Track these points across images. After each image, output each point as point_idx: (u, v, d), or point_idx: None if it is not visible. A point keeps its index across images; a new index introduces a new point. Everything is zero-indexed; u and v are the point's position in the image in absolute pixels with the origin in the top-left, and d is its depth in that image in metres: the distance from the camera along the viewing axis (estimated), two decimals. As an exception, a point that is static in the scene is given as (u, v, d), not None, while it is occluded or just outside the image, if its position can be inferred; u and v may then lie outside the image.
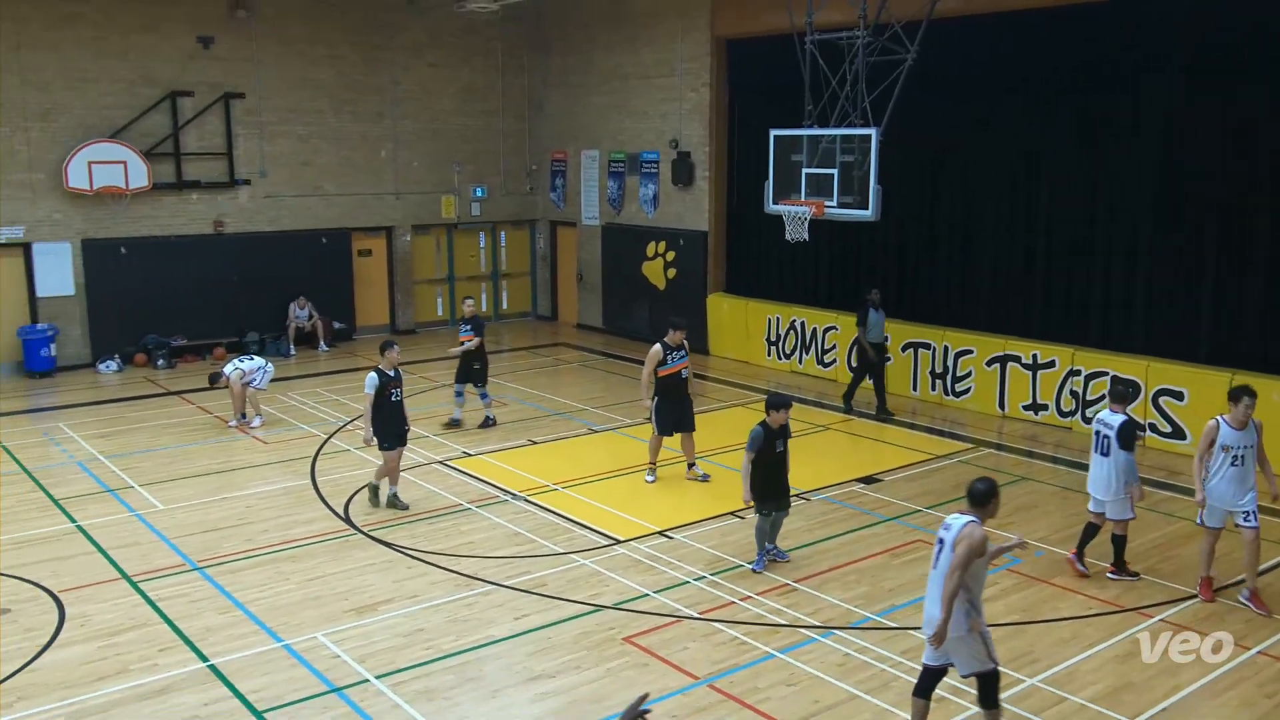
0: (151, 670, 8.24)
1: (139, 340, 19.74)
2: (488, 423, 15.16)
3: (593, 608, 9.30)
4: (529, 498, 12.22)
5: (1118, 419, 9.65)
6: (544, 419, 15.79)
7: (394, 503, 11.84)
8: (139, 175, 19.20)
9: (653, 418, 12.60)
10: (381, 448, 11.66)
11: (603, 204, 22.81)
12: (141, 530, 11.24)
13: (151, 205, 19.69)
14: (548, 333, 23.54)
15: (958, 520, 6.82)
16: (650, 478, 12.73)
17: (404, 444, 11.87)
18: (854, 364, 16.38)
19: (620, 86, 21.86)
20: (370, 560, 10.41)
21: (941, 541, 6.86)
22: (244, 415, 15.32)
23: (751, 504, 9.94)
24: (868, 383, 15.94)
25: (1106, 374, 14.33)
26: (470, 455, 13.84)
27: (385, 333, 22.59)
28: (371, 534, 11.08)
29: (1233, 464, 9.01)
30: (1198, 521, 9.41)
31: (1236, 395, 8.98)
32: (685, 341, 12.54)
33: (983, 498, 6.82)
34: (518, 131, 24.10)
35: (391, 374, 11.63)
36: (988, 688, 6.84)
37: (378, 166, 22.24)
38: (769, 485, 9.92)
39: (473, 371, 14.98)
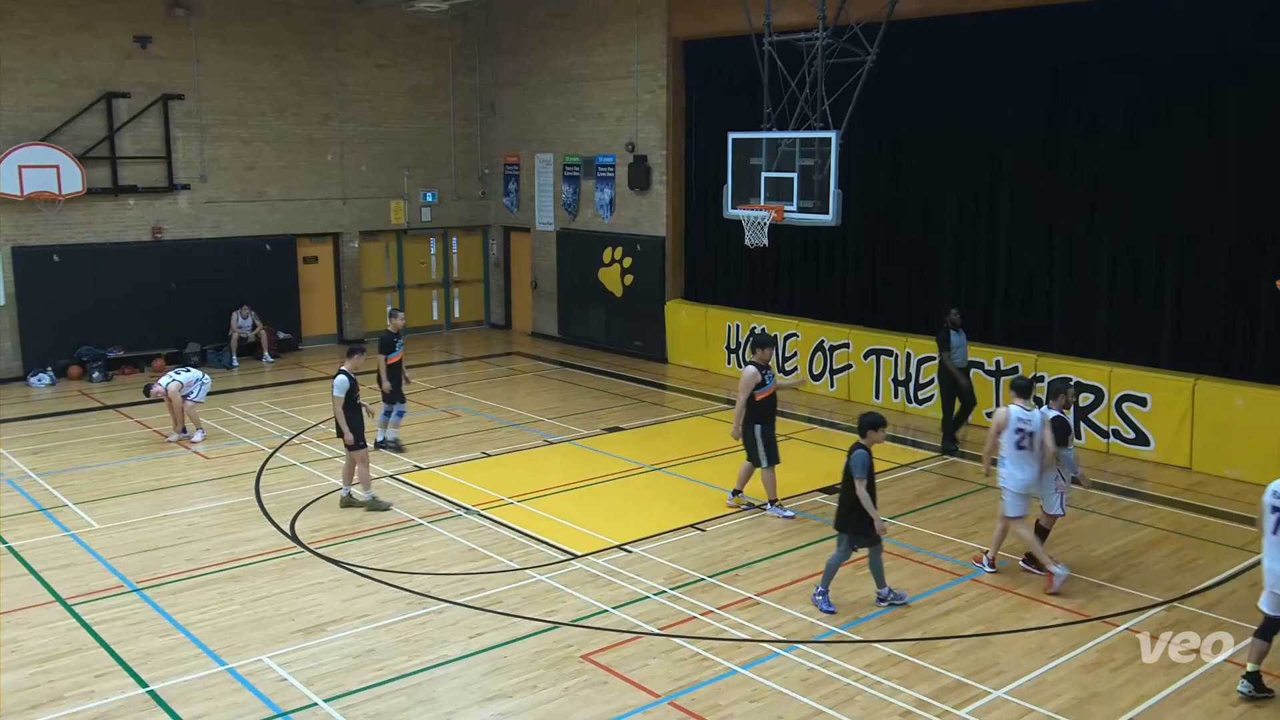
0: (87, 697, 8.08)
1: (73, 352, 19.41)
2: (393, 444, 14.58)
3: (550, 624, 9.26)
4: (483, 512, 12.15)
5: (1050, 414, 10.00)
6: (498, 430, 15.72)
7: (370, 504, 12.16)
8: (73, 180, 18.89)
9: (759, 447, 11.71)
10: (355, 447, 12.00)
11: (557, 209, 22.79)
12: (76, 550, 11.04)
13: (86, 211, 19.38)
14: (501, 341, 23.45)
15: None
16: (788, 513, 11.91)
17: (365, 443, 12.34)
18: (945, 395, 14.79)
19: (575, 88, 21.87)
20: (318, 579, 10.30)
21: (1277, 509, 7.80)
22: (184, 430, 15.11)
23: (884, 534, 9.43)
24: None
25: (1070, 380, 14.48)
26: (422, 469, 13.74)
27: (333, 343, 22.49)
28: (319, 551, 10.97)
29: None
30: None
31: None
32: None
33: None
34: (469, 134, 24.03)
35: (356, 377, 12.14)
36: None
37: (324, 170, 22.07)
38: (866, 514, 9.29)
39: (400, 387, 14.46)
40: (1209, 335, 13.97)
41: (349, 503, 12.22)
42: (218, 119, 20.62)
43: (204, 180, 20.61)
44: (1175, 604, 9.65)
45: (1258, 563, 10.41)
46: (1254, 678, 7.98)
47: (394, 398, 14.41)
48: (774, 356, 12.04)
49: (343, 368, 12.10)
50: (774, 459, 11.83)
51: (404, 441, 14.72)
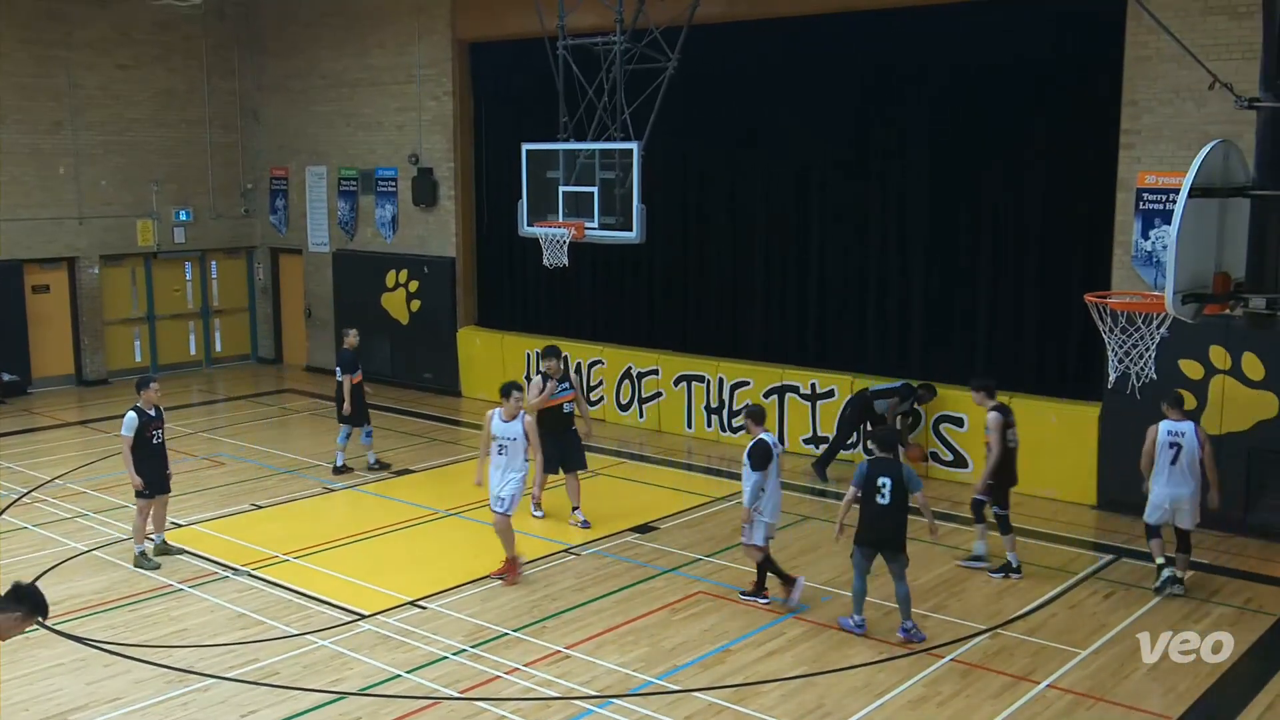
0: None
1: None
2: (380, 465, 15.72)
3: (335, 695, 9.05)
4: (254, 572, 11.81)
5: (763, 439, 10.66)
6: (270, 478, 15.29)
7: (138, 559, 11.98)
8: None
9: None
10: (140, 495, 11.93)
11: (333, 228, 22.36)
12: None
13: None
14: (272, 378, 22.77)
15: (1185, 425, 10.72)
16: (538, 513, 13.44)
17: (167, 490, 12.24)
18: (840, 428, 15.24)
19: (349, 93, 21.55)
20: (57, 660, 9.78)
21: (1179, 446, 10.67)
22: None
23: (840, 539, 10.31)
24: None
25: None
26: (180, 526, 13.19)
27: (70, 384, 21.40)
28: (58, 628, 10.37)
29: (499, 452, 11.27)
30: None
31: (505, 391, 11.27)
32: (571, 374, 13.56)
33: (1183, 400, 11.04)
34: (228, 144, 23.33)
35: (152, 413, 11.98)
36: (1189, 541, 11.00)
37: (56, 186, 20.99)
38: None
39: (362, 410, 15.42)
40: (1021, 352, 14.92)
41: (143, 561, 12.01)
42: (-78, 126, 19.38)
43: (-94, 197, 19.31)
44: (998, 630, 10.21)
45: (1076, 585, 11.25)
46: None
47: (362, 419, 15.40)
48: (567, 371, 13.74)
49: (136, 404, 11.92)
50: (548, 468, 13.13)
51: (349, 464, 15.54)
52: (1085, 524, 13.27)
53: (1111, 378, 9.72)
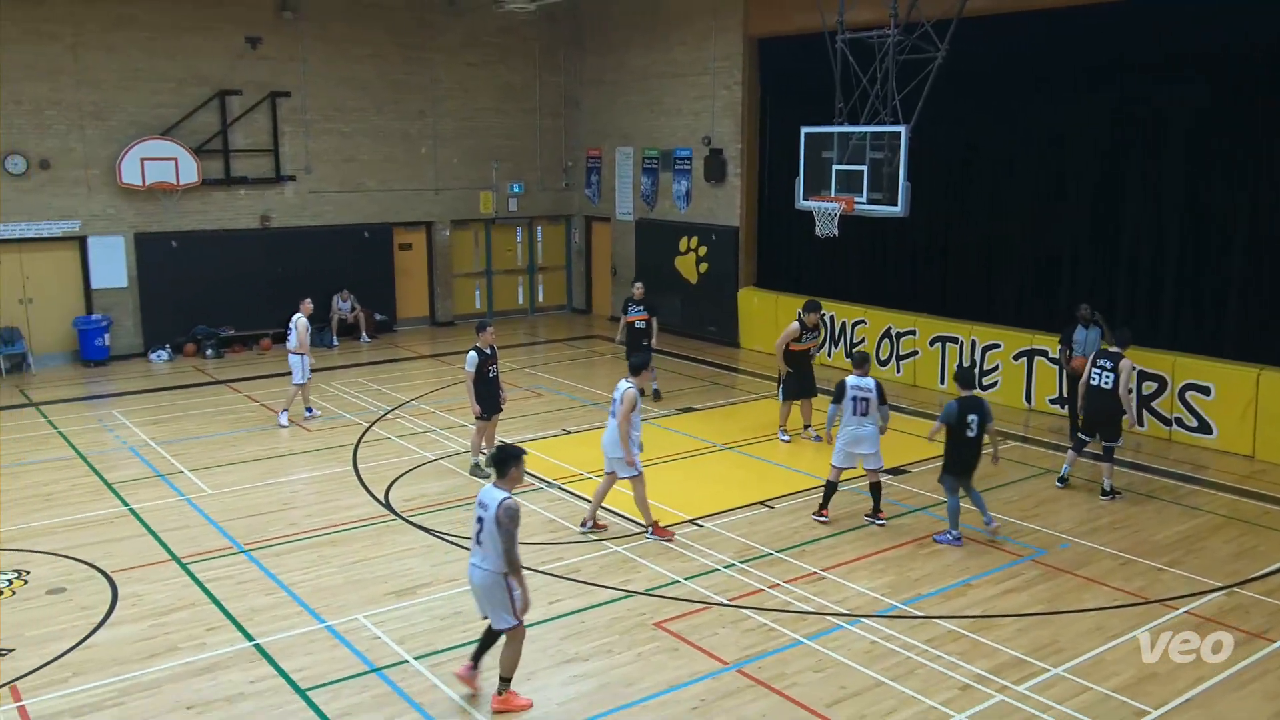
0: (200, 649, 8.35)
1: (189, 331, 19.95)
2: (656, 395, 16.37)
3: (624, 593, 9.32)
4: (563, 486, 12.25)
5: (870, 381, 10.81)
6: (578, 409, 15.82)
7: (473, 469, 12.52)
8: (189, 171, 19.40)
9: (780, 385, 14.23)
10: (479, 417, 12.40)
11: (636, 200, 22.80)
12: (190, 514, 11.38)
13: (201, 200, 19.90)
14: (582, 325, 23.57)
15: None
16: (785, 438, 14.05)
17: (499, 412, 12.65)
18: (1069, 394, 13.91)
19: (654, 85, 21.82)
20: (410, 545, 10.48)
21: None
22: (310, 410, 15.21)
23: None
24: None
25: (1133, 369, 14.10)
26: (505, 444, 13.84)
27: (425, 324, 22.82)
28: (411, 520, 11.16)
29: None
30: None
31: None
32: (820, 324, 14.30)
33: None
34: (554, 129, 24.13)
35: (488, 352, 12.32)
36: None
37: (418, 163, 22.35)
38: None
39: (643, 348, 15.73)
40: (1273, 326, 13.49)
41: (476, 471, 12.52)
42: (321, 115, 20.97)
43: (308, 172, 21.01)
44: (1235, 589, 9.37)
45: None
46: None
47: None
48: (825, 328, 14.72)
49: (476, 344, 12.33)
50: (788, 396, 13.99)
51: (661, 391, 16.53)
52: (1332, 494, 11.94)
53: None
